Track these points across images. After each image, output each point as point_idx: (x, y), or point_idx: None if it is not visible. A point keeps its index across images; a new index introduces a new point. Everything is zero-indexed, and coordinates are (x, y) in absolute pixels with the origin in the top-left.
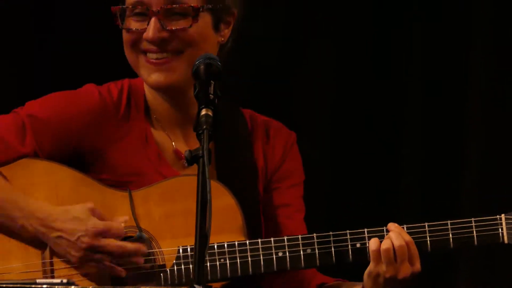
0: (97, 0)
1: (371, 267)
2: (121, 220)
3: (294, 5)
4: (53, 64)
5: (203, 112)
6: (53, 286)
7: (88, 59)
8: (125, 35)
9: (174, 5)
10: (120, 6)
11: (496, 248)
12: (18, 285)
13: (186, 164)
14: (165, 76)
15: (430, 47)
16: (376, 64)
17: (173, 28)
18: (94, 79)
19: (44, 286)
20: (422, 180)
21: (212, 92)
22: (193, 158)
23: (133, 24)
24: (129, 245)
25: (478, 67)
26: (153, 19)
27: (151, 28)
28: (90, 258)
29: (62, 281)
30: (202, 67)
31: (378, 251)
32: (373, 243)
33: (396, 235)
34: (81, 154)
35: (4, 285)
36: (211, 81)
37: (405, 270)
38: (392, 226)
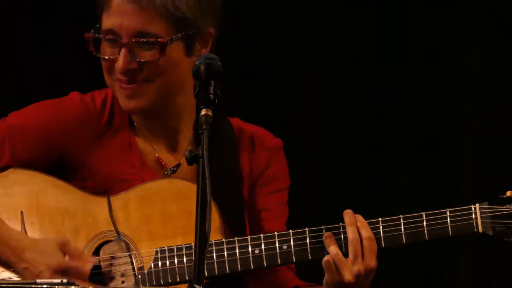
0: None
1: (326, 277)
2: (89, 260)
3: (290, 5)
4: (41, 72)
5: (203, 112)
6: (53, 286)
7: (78, 67)
8: (102, 62)
9: (142, 39)
10: (92, 33)
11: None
12: (18, 285)
13: (167, 173)
14: (135, 102)
15: (426, 47)
16: (373, 63)
17: (142, 60)
18: (80, 87)
19: (44, 286)
20: (418, 177)
21: (212, 92)
22: (193, 158)
23: (107, 51)
24: None
25: (474, 65)
26: (123, 50)
27: (121, 60)
28: None
29: (62, 281)
30: (202, 67)
31: (327, 261)
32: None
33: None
34: (64, 162)
35: (4, 285)
36: (211, 81)
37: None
38: (350, 219)
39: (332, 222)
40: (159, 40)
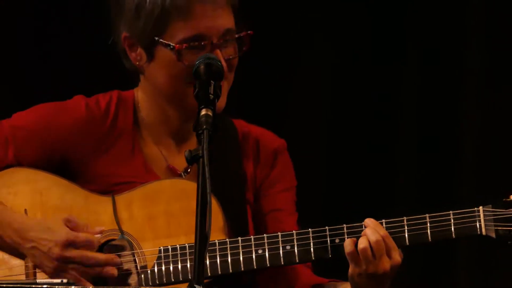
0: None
1: (351, 269)
2: (95, 231)
3: (289, 3)
4: (47, 75)
5: (203, 112)
6: (53, 286)
7: (78, 67)
8: (177, 69)
9: (229, 36)
10: (167, 43)
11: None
12: (18, 285)
13: (183, 176)
14: (219, 102)
15: (425, 45)
16: (372, 60)
17: (229, 57)
18: (80, 87)
19: (44, 286)
20: (417, 177)
21: (212, 92)
22: (193, 158)
23: (190, 57)
24: (100, 256)
25: (474, 63)
26: (218, 51)
27: (222, 61)
28: (63, 269)
29: (62, 281)
30: (202, 67)
31: (353, 252)
32: (347, 245)
33: (371, 230)
34: (68, 164)
35: (4, 285)
36: (211, 81)
37: (385, 264)
38: (368, 221)
39: (332, 221)
40: (248, 33)
